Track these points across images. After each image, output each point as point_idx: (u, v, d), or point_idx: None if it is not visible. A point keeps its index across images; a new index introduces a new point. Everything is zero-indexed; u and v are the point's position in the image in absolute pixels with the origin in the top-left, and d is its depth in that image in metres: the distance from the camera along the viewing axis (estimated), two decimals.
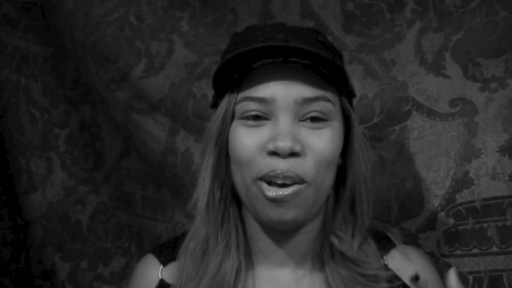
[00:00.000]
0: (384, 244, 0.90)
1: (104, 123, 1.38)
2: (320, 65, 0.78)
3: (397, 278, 0.86)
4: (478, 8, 1.03)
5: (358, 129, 0.86)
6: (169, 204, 1.30)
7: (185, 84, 1.23)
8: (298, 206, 0.80)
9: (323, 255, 0.86)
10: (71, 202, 1.42)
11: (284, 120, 0.79)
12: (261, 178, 0.79)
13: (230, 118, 0.82)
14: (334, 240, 0.85)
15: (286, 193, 0.78)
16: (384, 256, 0.88)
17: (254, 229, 0.86)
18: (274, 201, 0.79)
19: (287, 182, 0.78)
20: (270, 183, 0.79)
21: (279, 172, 0.78)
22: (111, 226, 1.38)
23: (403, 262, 0.88)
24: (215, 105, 0.86)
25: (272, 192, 0.78)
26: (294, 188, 0.79)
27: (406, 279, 0.86)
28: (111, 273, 1.38)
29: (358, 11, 1.12)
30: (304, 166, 0.79)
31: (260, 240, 0.86)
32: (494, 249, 1.01)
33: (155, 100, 1.25)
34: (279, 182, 0.79)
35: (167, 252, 0.92)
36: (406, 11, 1.09)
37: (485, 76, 1.03)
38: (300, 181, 0.79)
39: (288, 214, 0.80)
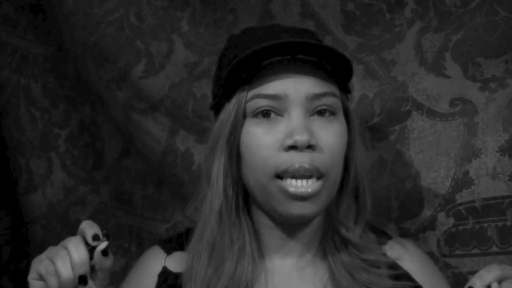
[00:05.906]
0: (381, 237, 0.92)
1: (104, 123, 1.38)
2: (325, 61, 0.81)
3: (397, 265, 0.88)
4: (478, 8, 1.03)
5: (356, 123, 0.89)
6: (169, 204, 1.30)
7: (185, 84, 1.23)
8: (318, 200, 0.82)
9: (325, 243, 0.88)
10: (71, 202, 1.42)
11: (297, 115, 0.81)
12: (280, 175, 0.80)
13: (241, 116, 0.83)
14: (339, 227, 0.87)
15: (310, 190, 0.80)
16: (382, 247, 0.91)
17: (264, 226, 0.87)
18: (296, 197, 0.80)
19: (305, 174, 0.80)
20: (291, 177, 0.80)
21: (298, 166, 0.79)
22: (111, 226, 1.38)
23: (400, 251, 0.90)
24: (217, 106, 0.87)
25: (297, 188, 0.80)
26: (317, 185, 0.80)
27: (406, 267, 0.88)
28: (111, 273, 1.37)
29: (358, 11, 1.12)
30: (321, 160, 0.80)
31: (268, 235, 0.87)
32: (494, 249, 1.01)
33: (155, 100, 1.25)
34: (297, 175, 0.80)
35: (172, 242, 0.94)
36: (406, 11, 1.09)
37: (485, 76, 1.03)
38: (318, 173, 0.80)
39: (309, 209, 0.81)
